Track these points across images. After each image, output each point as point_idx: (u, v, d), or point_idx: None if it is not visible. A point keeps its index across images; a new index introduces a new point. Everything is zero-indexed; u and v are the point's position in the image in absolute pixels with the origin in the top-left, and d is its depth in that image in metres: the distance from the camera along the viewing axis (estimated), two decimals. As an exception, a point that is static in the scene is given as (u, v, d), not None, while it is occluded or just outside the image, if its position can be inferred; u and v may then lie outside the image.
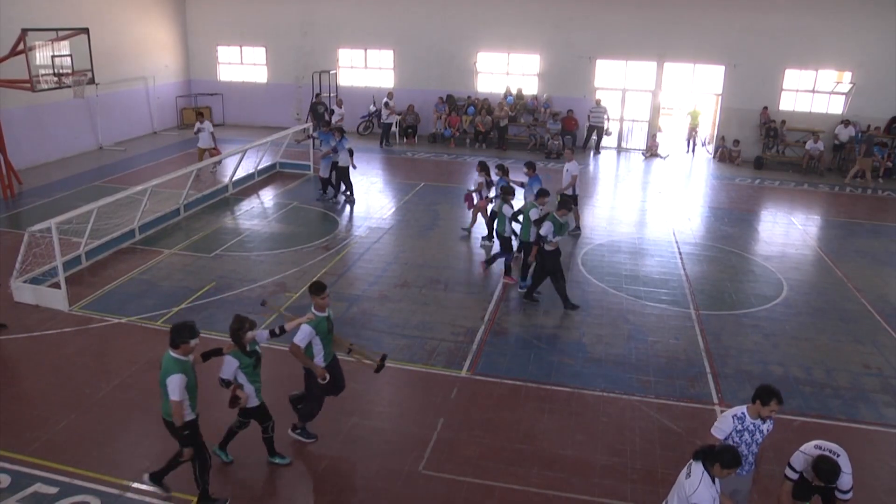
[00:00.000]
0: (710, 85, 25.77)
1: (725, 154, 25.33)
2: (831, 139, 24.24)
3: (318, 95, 24.74)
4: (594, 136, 26.15)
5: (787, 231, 17.34)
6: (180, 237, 15.06)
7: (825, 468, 5.90)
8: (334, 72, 27.15)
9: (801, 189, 21.93)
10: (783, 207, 19.58)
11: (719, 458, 5.52)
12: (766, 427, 6.33)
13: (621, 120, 26.85)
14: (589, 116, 25.70)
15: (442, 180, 20.79)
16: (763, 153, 24.98)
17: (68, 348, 10.31)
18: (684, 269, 14.21)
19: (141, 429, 8.45)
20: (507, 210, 12.96)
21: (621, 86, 26.34)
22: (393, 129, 26.29)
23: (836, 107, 24.87)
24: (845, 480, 5.98)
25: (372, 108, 26.71)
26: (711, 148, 26.50)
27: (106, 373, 9.62)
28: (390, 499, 7.40)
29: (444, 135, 26.30)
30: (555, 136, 25.04)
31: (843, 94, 24.70)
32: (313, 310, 7.86)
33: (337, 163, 17.59)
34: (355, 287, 12.72)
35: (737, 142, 25.11)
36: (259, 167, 20.02)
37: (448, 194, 19.14)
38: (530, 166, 15.25)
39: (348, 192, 18.05)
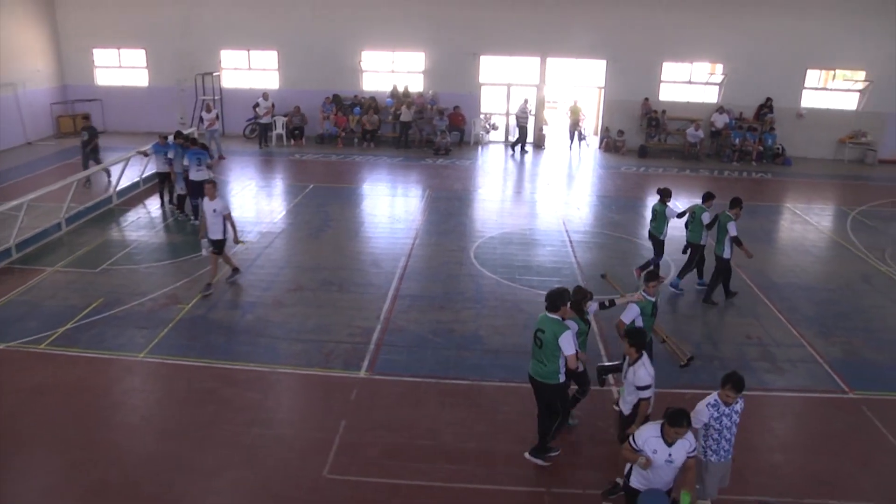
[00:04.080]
0: (592, 78, 26.58)
1: (611, 144, 26.19)
2: (708, 126, 25.51)
3: (86, 118, 21.32)
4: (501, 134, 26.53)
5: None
6: (63, 253, 14.31)
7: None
8: (217, 74, 26.52)
9: (684, 174, 22.95)
10: (667, 193, 20.42)
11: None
12: (738, 407, 6.59)
13: (507, 114, 27.33)
14: (518, 117, 25.81)
15: (331, 181, 20.65)
16: (646, 142, 26.03)
17: (-58, 378, 9.65)
18: (575, 257, 14.61)
19: (30, 461, 8.00)
20: (669, 212, 13.00)
21: (506, 81, 26.82)
22: (279, 130, 25.88)
23: (711, 96, 26.25)
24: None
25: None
26: (590, 143, 27.17)
27: (-13, 402, 9.07)
28: (296, 506, 7.34)
29: (335, 132, 26.13)
30: (442, 132, 25.21)
31: (716, 84, 26.11)
32: (643, 292, 8.55)
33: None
34: (249, 294, 12.46)
35: (621, 132, 26.00)
36: (144, 175, 19.25)
37: (339, 195, 19.04)
38: (163, 137, 16.54)
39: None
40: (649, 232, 13.35)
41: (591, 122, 28.23)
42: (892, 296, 13.26)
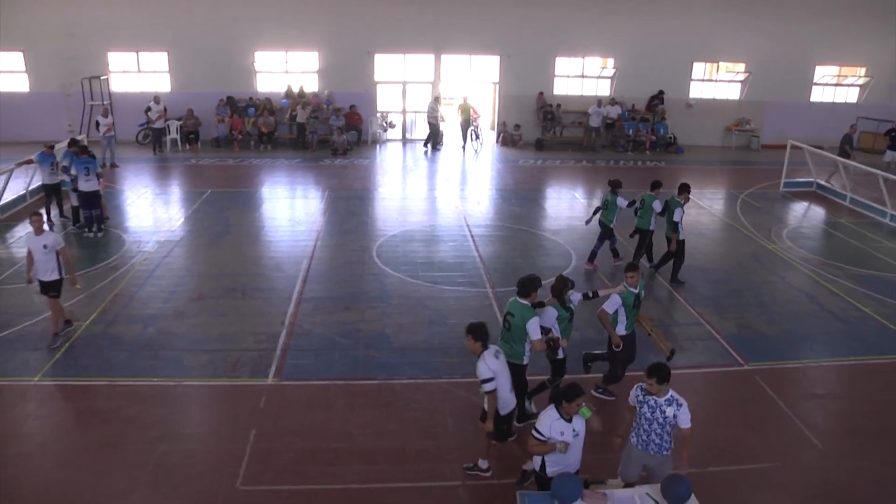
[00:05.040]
0: (487, 74, 26.95)
1: (507, 138, 26.62)
2: (603, 119, 26.26)
3: None
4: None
5: (571, 205, 18.54)
6: (-59, 274, 13.47)
7: None
8: (106, 77, 25.50)
9: (581, 165, 23.59)
10: (566, 184, 20.94)
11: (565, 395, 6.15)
12: (672, 411, 6.34)
13: (404, 112, 27.44)
14: (428, 115, 25.77)
15: (229, 185, 20.24)
16: (543, 135, 26.58)
17: None
18: (477, 251, 14.76)
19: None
20: (620, 202, 13.42)
21: (401, 78, 26.88)
22: (173, 135, 25.14)
23: (604, 89, 27.12)
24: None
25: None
26: (484, 141, 27.02)
27: None
28: (207, 521, 7.17)
29: (231, 136, 25.50)
30: (339, 129, 25.00)
31: (608, 77, 26.98)
32: (625, 284, 8.82)
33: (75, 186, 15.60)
34: (149, 306, 12.01)
35: (518, 126, 26.47)
36: (31, 187, 18.27)
37: (237, 200, 18.66)
38: (49, 146, 16.32)
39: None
40: (599, 220, 13.81)
41: (487, 118, 28.55)
42: (779, 272, 14.01)
